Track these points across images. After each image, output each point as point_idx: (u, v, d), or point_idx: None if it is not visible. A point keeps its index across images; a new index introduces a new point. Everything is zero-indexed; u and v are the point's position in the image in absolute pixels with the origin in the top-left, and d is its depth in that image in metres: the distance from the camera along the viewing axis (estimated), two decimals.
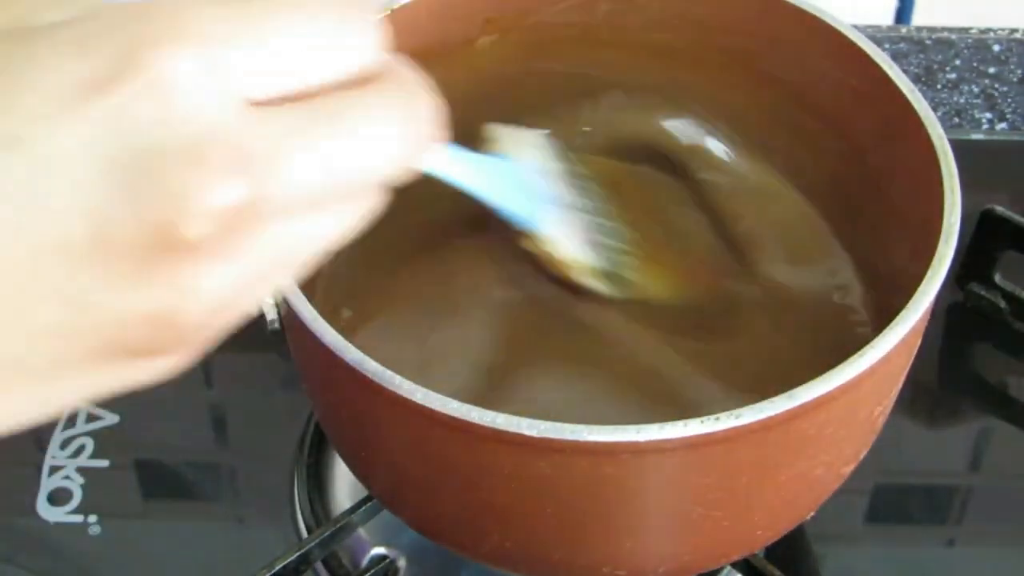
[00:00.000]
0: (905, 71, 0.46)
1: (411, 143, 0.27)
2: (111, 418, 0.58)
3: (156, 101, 0.23)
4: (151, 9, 0.24)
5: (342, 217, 0.27)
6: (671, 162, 0.54)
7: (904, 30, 0.78)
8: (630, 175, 0.53)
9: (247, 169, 0.24)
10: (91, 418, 0.58)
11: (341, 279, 0.50)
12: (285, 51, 0.25)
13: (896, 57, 0.74)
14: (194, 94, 0.23)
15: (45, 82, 0.23)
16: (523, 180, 0.45)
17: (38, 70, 0.23)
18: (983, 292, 0.61)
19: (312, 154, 0.25)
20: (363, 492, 0.51)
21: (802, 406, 0.36)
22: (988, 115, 0.73)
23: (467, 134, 0.55)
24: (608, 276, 0.47)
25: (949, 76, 0.75)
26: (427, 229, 0.53)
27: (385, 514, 0.50)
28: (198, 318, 0.25)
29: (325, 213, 0.26)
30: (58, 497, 0.55)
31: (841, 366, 0.37)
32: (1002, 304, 0.60)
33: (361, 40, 0.26)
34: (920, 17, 0.78)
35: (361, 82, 0.26)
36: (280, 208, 0.25)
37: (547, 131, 0.49)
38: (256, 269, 0.26)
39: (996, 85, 0.75)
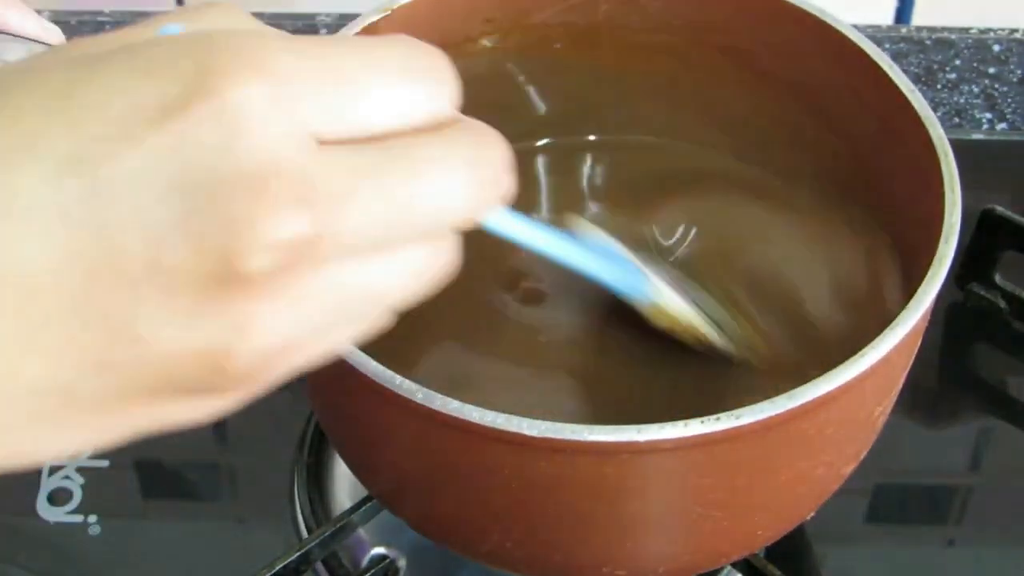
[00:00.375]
0: (905, 71, 0.46)
1: (482, 190, 0.26)
2: None
3: (222, 129, 0.23)
4: (221, 39, 0.24)
5: (410, 269, 0.26)
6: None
7: (904, 30, 0.78)
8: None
9: (311, 204, 0.23)
10: None
11: None
12: (358, 92, 0.25)
13: (896, 57, 0.74)
14: (261, 125, 0.23)
15: (111, 105, 0.23)
16: (614, 254, 0.44)
17: (104, 92, 0.23)
18: (983, 292, 0.61)
19: (379, 194, 0.24)
20: (363, 492, 0.51)
21: (802, 406, 0.36)
22: (988, 115, 0.73)
23: None
24: (723, 333, 0.46)
25: (949, 76, 0.75)
26: None
27: (385, 514, 0.50)
28: (251, 360, 0.24)
29: (393, 262, 0.26)
30: (58, 497, 0.55)
31: (841, 366, 0.37)
32: (1002, 304, 0.60)
33: (434, 88, 0.26)
34: (920, 17, 0.78)
35: (432, 129, 0.26)
36: (344, 249, 0.24)
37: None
38: (317, 315, 0.25)
39: (996, 85, 0.75)
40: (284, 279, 0.24)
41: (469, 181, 0.26)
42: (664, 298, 0.44)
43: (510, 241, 0.33)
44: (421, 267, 0.26)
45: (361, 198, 0.24)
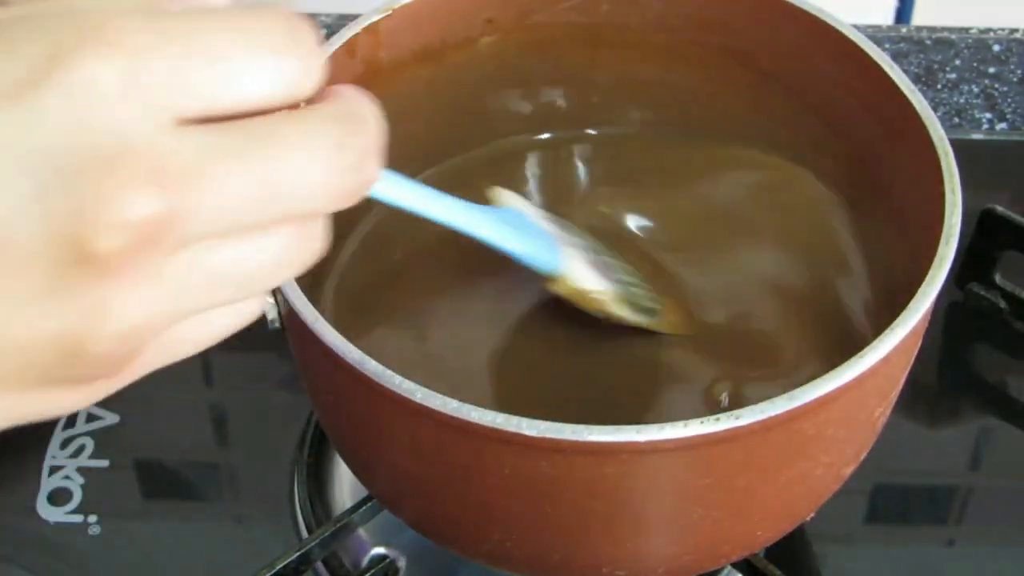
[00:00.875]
0: (905, 71, 0.46)
1: (343, 176, 0.25)
2: (111, 418, 0.58)
3: (72, 106, 0.22)
4: (81, 15, 0.23)
5: (278, 251, 0.26)
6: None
7: (904, 30, 0.78)
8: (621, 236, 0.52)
9: (165, 183, 0.23)
10: (91, 418, 0.58)
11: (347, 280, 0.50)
12: (219, 69, 0.24)
13: (896, 57, 0.74)
14: (114, 103, 0.22)
15: None
16: (526, 225, 0.45)
17: None
18: (983, 292, 0.61)
19: (236, 175, 0.24)
20: (363, 492, 0.51)
21: (802, 407, 0.36)
22: (988, 115, 0.73)
23: (468, 134, 0.55)
24: (635, 307, 0.47)
25: (949, 76, 0.75)
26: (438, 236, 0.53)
27: (385, 514, 0.50)
28: (111, 346, 0.24)
29: (259, 244, 0.25)
30: (58, 497, 0.55)
31: (841, 367, 0.37)
32: (1002, 304, 0.60)
33: (302, 64, 0.25)
34: (920, 17, 0.78)
35: (301, 108, 0.25)
36: (203, 230, 0.24)
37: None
38: (182, 298, 0.24)
39: (996, 85, 0.75)
40: (140, 260, 0.23)
41: (331, 166, 0.25)
42: (570, 269, 0.45)
43: (400, 209, 0.34)
44: (289, 249, 0.26)
45: (217, 178, 0.24)
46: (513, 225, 0.44)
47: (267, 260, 0.26)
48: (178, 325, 0.25)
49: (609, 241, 0.50)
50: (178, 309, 0.25)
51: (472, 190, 0.54)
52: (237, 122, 0.24)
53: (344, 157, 0.25)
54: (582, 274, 0.45)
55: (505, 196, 0.46)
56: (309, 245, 0.26)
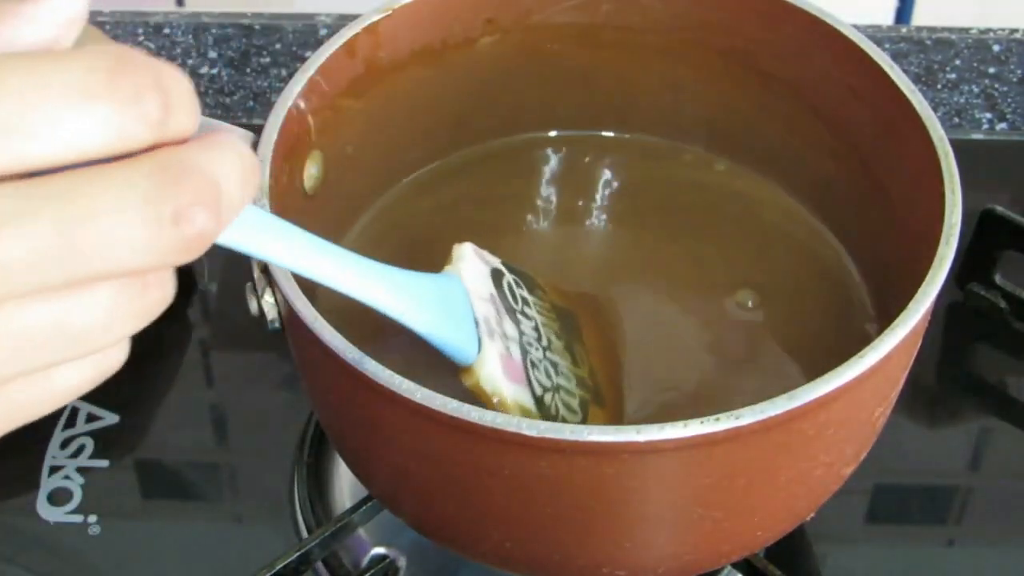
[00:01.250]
0: (905, 71, 0.46)
1: (161, 230, 0.24)
2: (111, 418, 0.58)
3: None
4: None
5: (106, 307, 0.24)
6: None
7: (904, 30, 0.78)
8: (588, 302, 0.50)
9: None
10: (91, 418, 0.58)
11: None
12: (13, 121, 0.22)
13: (896, 57, 0.74)
14: None
15: None
16: (449, 300, 0.41)
17: None
18: (983, 292, 0.61)
19: (28, 235, 0.23)
20: (363, 492, 0.51)
21: (802, 407, 0.36)
22: (988, 115, 0.73)
23: (467, 134, 0.56)
24: (546, 418, 0.43)
25: (949, 76, 0.75)
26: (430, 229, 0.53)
27: (385, 514, 0.50)
28: None
29: (83, 300, 0.24)
30: (58, 497, 0.55)
31: (841, 367, 0.37)
32: (1002, 304, 0.60)
33: (117, 112, 0.23)
34: (920, 17, 0.78)
35: (116, 159, 0.24)
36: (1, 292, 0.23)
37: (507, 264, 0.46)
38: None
39: (996, 85, 0.75)
40: None
41: (138, 221, 0.23)
42: (480, 364, 0.41)
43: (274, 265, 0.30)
44: (120, 305, 0.25)
45: (2, 241, 0.22)
46: (426, 296, 0.39)
47: (97, 317, 0.25)
48: (3, 387, 0.25)
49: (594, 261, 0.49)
50: (3, 371, 0.24)
51: (471, 190, 0.55)
52: (38, 178, 0.23)
53: (153, 210, 0.24)
54: (491, 373, 0.41)
55: (462, 254, 0.43)
56: (145, 298, 0.25)
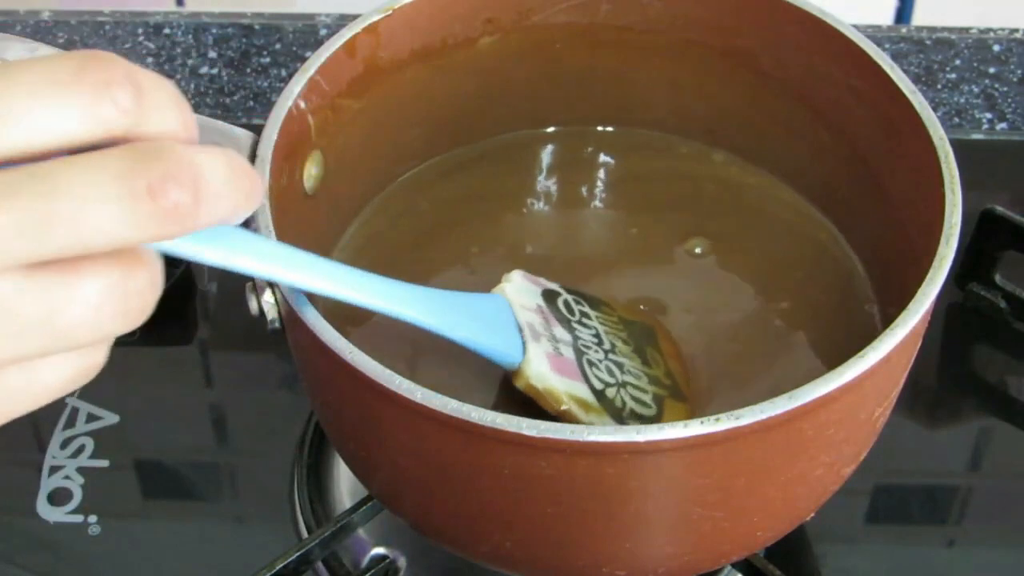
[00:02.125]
0: (905, 71, 0.46)
1: (140, 195, 0.25)
2: (111, 418, 0.58)
3: None
4: None
5: (98, 297, 0.25)
6: None
7: (904, 30, 0.78)
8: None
9: None
10: (91, 418, 0.58)
11: None
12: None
13: (896, 57, 0.74)
14: None
15: None
16: (487, 313, 0.44)
17: None
18: (983, 292, 0.61)
19: (7, 209, 0.24)
20: (363, 492, 0.51)
21: (802, 407, 0.36)
22: (988, 115, 0.73)
23: (466, 132, 0.56)
24: (616, 412, 0.45)
25: (949, 76, 0.75)
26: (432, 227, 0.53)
27: (385, 514, 0.50)
28: None
29: (71, 291, 0.25)
30: (58, 497, 0.55)
31: (841, 367, 0.37)
32: (1002, 304, 0.60)
33: (92, 104, 0.25)
34: (920, 17, 0.78)
35: (96, 149, 0.25)
36: None
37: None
38: None
39: (996, 85, 0.75)
40: None
41: (111, 194, 0.24)
42: (528, 364, 0.44)
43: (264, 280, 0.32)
44: (109, 299, 0.25)
45: None
46: (464, 312, 0.42)
47: (83, 311, 0.25)
48: None
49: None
50: None
51: (471, 187, 0.55)
52: (20, 166, 0.24)
53: (127, 184, 0.25)
54: (538, 370, 0.44)
55: (510, 278, 0.46)
56: (131, 299, 0.26)
